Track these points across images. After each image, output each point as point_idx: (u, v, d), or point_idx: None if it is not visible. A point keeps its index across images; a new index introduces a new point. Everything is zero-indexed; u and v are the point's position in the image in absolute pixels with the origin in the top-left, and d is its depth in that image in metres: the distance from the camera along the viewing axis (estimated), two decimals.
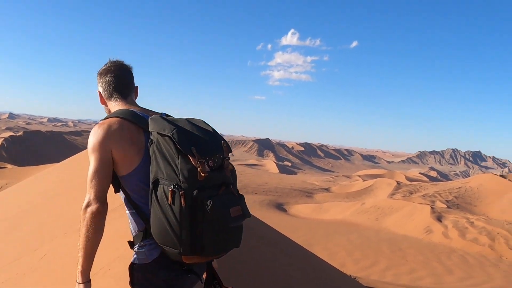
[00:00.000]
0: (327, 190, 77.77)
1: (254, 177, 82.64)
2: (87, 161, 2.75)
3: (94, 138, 2.71)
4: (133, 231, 2.80)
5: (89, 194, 2.63)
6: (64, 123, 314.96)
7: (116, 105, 3.00)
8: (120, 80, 3.03)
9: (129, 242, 2.80)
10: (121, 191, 2.82)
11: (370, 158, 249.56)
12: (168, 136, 2.56)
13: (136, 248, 2.72)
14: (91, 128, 2.75)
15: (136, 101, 3.13)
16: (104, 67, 3.08)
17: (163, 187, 2.50)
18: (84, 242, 2.61)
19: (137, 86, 3.15)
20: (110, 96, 3.04)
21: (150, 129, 2.67)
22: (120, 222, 6.40)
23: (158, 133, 2.60)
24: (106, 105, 3.11)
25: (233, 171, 2.74)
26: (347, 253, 30.38)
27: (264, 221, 14.16)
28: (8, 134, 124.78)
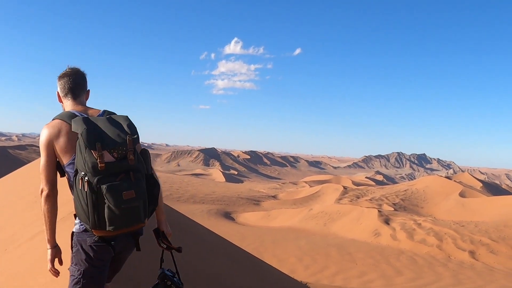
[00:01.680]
0: (274, 197, 77.97)
1: (201, 186, 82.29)
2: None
3: (41, 136, 3.53)
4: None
5: (41, 182, 3.50)
6: (8, 137, 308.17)
7: (68, 104, 3.80)
8: (74, 82, 3.81)
9: (74, 215, 3.53)
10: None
11: (316, 164, 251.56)
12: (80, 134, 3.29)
13: (76, 220, 3.53)
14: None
15: (88, 101, 3.94)
16: (63, 72, 3.87)
17: (78, 175, 3.26)
18: (44, 219, 3.54)
19: (89, 90, 3.92)
20: (65, 96, 3.83)
21: (72, 129, 3.40)
22: None
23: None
24: (61, 102, 3.89)
25: (139, 160, 3.39)
26: (297, 259, 30.36)
27: (213, 231, 13.98)
28: None
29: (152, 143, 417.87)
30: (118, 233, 3.32)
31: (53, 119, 3.58)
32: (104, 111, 3.70)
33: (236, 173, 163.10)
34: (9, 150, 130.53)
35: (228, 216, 55.11)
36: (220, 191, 75.84)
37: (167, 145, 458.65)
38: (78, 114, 3.54)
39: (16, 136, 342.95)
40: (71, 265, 3.52)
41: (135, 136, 3.38)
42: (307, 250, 32.99)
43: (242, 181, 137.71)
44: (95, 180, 3.17)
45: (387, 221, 42.17)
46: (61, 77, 3.83)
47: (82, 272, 3.45)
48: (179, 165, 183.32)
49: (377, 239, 38.76)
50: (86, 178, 3.19)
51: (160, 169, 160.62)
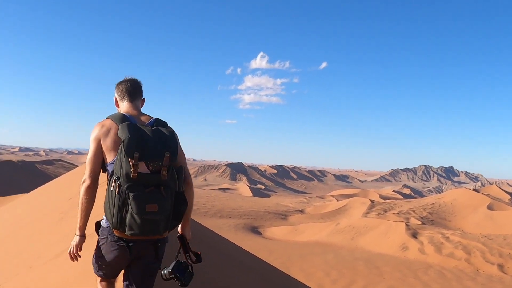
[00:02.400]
0: (301, 211, 77.57)
1: (228, 201, 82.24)
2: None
3: (92, 132, 3.78)
4: None
5: (85, 173, 3.75)
6: (35, 153, 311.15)
7: (124, 106, 4.06)
8: (131, 87, 4.10)
9: None
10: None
11: (343, 178, 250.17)
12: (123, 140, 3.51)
13: (104, 216, 3.72)
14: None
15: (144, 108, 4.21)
16: (122, 80, 4.18)
17: (113, 177, 3.51)
18: (80, 207, 3.77)
19: (144, 98, 4.18)
20: (122, 99, 4.10)
21: (118, 134, 3.62)
22: None
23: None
24: (118, 107, 4.16)
25: (172, 176, 3.56)
26: (324, 274, 30.16)
27: (240, 245, 13.98)
28: None
29: None
30: (134, 238, 3.56)
31: (106, 118, 3.85)
32: (155, 120, 3.87)
33: (263, 187, 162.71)
34: (36, 165, 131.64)
35: (255, 230, 54.99)
36: (247, 206, 75.74)
37: (194, 159, 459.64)
38: (129, 117, 3.79)
39: (44, 151, 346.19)
40: (93, 258, 3.96)
41: (174, 154, 3.55)
42: (334, 264, 32.80)
43: (269, 196, 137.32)
44: (125, 186, 3.39)
45: (414, 235, 41.78)
46: (119, 83, 4.15)
47: (98, 265, 3.90)
48: (206, 180, 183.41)
49: (404, 253, 38.41)
50: (118, 182, 3.43)
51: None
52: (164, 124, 3.85)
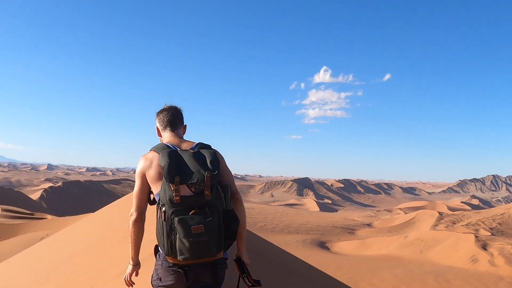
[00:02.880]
0: (369, 225, 76.92)
1: (295, 216, 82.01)
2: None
3: (137, 166, 3.85)
4: None
5: (132, 207, 3.83)
6: (102, 172, 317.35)
7: (166, 136, 4.11)
8: (172, 116, 4.15)
9: None
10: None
11: (410, 191, 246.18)
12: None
13: None
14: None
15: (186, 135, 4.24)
16: (161, 108, 4.24)
17: (159, 205, 3.59)
18: (130, 239, 3.89)
19: (185, 125, 4.24)
20: (164, 129, 4.15)
21: (159, 163, 3.68)
22: None
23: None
24: (160, 136, 4.21)
25: (216, 196, 3.59)
26: None
27: (308, 261, 14.08)
28: (47, 185, 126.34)
29: (245, 175, 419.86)
30: (187, 263, 3.57)
31: (150, 150, 3.93)
32: (197, 144, 3.92)
33: (330, 202, 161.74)
34: (104, 184, 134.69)
35: (323, 245, 54.83)
36: (314, 221, 75.45)
37: (260, 176, 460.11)
38: (170, 146, 3.85)
39: (111, 171, 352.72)
40: (152, 280, 3.94)
41: (215, 173, 3.57)
42: (403, 278, 32.47)
43: (336, 210, 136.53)
44: (170, 211, 3.46)
45: (484, 247, 40.93)
46: (159, 112, 4.22)
47: None
48: (272, 196, 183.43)
49: (474, 265, 37.68)
50: (164, 208, 3.51)
51: (253, 200, 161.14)
52: (207, 146, 3.91)
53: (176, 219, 3.42)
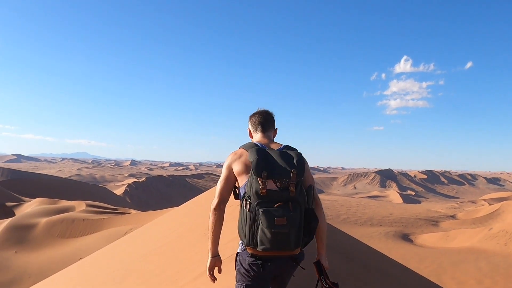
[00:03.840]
0: (452, 217, 75.26)
1: (378, 208, 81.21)
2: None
3: (225, 161, 4.11)
4: None
5: (214, 197, 3.99)
6: (185, 167, 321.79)
7: (256, 137, 4.35)
8: (263, 118, 4.36)
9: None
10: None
11: (494, 181, 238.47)
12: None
13: (240, 241, 3.97)
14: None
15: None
16: (254, 112, 4.46)
17: (245, 197, 3.76)
18: (209, 229, 3.98)
19: (277, 128, 4.45)
20: (255, 131, 4.38)
21: (248, 158, 3.93)
22: None
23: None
24: (252, 138, 4.43)
25: (300, 193, 3.74)
26: (477, 282, 29.38)
27: (391, 254, 14.07)
28: (131, 180, 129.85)
29: (328, 167, 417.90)
30: (266, 254, 3.72)
31: (239, 148, 4.18)
32: (285, 146, 4.12)
33: (413, 193, 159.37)
34: (186, 179, 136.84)
35: (406, 238, 54.18)
36: (397, 213, 74.49)
37: (343, 168, 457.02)
38: (259, 145, 4.07)
39: (193, 165, 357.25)
40: (236, 283, 4.02)
41: (300, 171, 3.75)
42: (487, 271, 31.82)
43: (419, 202, 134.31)
44: (256, 203, 3.62)
45: None
46: (252, 115, 4.46)
47: (244, 287, 3.94)
48: (355, 188, 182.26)
49: None
50: (249, 200, 3.68)
51: (336, 192, 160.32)
52: (293, 149, 4.07)
53: (260, 210, 3.58)
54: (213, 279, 4.12)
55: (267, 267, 3.80)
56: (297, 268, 3.95)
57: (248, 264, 3.84)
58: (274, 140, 4.33)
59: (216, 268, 4.11)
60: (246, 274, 3.89)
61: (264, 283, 3.92)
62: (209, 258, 4.07)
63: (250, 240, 3.69)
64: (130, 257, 13.45)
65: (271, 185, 3.67)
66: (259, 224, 3.60)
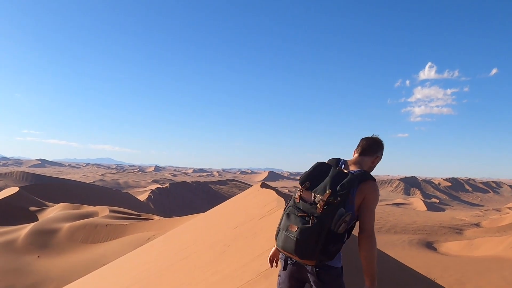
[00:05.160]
0: (477, 225, 74.33)
1: (402, 216, 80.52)
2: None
3: None
4: None
5: None
6: (209, 173, 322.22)
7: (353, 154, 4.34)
8: (364, 144, 4.26)
9: None
10: None
11: None
12: None
13: None
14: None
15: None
16: (368, 136, 4.34)
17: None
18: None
19: (377, 157, 4.29)
20: (355, 150, 4.30)
21: None
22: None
23: None
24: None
25: (327, 213, 3.61)
26: None
27: (414, 262, 13.65)
28: (154, 186, 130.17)
29: None
30: (280, 251, 3.88)
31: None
32: (358, 170, 4.01)
33: (437, 201, 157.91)
34: (210, 185, 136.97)
35: (429, 246, 53.59)
36: (421, 221, 73.75)
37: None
38: (341, 161, 4.12)
39: (217, 171, 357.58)
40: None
41: (335, 193, 3.67)
42: None
43: (443, 210, 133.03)
44: (288, 205, 3.82)
45: None
46: (363, 138, 4.38)
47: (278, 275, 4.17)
48: (379, 195, 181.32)
49: None
50: (288, 203, 3.86)
51: None
52: (364, 175, 3.96)
53: (285, 212, 3.81)
54: (272, 265, 4.29)
55: (288, 267, 3.97)
56: (319, 281, 3.84)
57: (280, 260, 4.07)
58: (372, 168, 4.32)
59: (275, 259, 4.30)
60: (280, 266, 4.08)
61: (284, 278, 4.06)
62: (274, 248, 4.25)
63: (275, 235, 3.88)
64: (146, 271, 12.84)
65: (308, 196, 3.77)
66: (280, 223, 3.82)
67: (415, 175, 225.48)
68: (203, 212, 28.26)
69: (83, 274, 22.06)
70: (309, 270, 3.84)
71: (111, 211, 45.03)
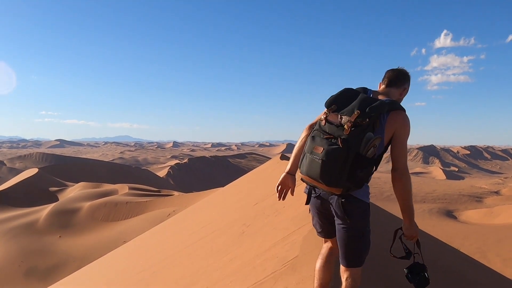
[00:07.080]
0: (496, 193, 73.63)
1: (421, 185, 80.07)
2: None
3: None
4: None
5: None
6: (227, 147, 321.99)
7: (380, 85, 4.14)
8: (391, 75, 4.07)
9: None
10: None
11: None
12: None
13: None
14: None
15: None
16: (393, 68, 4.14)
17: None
18: (296, 146, 3.97)
19: (405, 89, 4.11)
20: (381, 82, 4.10)
21: None
22: None
23: None
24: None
25: (355, 135, 3.43)
26: None
27: (435, 231, 13.31)
28: (173, 162, 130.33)
29: None
30: (304, 178, 3.63)
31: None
32: (388, 99, 3.80)
33: (456, 169, 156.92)
34: (229, 159, 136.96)
35: (449, 214, 53.23)
36: (440, 189, 73.28)
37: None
38: (368, 90, 3.93)
39: (236, 145, 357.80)
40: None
41: (364, 114, 3.52)
42: None
43: (463, 178, 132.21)
44: (314, 129, 3.62)
45: None
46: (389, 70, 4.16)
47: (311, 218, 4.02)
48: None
49: None
50: (314, 127, 3.68)
51: (379, 169, 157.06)
52: (392, 103, 3.77)
53: (311, 135, 3.59)
54: (280, 196, 3.96)
55: (312, 201, 3.82)
56: (344, 214, 3.59)
57: (304, 192, 3.87)
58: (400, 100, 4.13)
59: (290, 189, 3.96)
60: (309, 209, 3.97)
61: (314, 211, 3.89)
62: (283, 174, 3.95)
63: (299, 163, 3.66)
64: (162, 253, 12.28)
65: (334, 119, 3.57)
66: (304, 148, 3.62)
67: (434, 144, 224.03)
68: (223, 186, 28.11)
69: (104, 253, 22.04)
70: (334, 204, 3.64)
71: (130, 188, 45.00)
